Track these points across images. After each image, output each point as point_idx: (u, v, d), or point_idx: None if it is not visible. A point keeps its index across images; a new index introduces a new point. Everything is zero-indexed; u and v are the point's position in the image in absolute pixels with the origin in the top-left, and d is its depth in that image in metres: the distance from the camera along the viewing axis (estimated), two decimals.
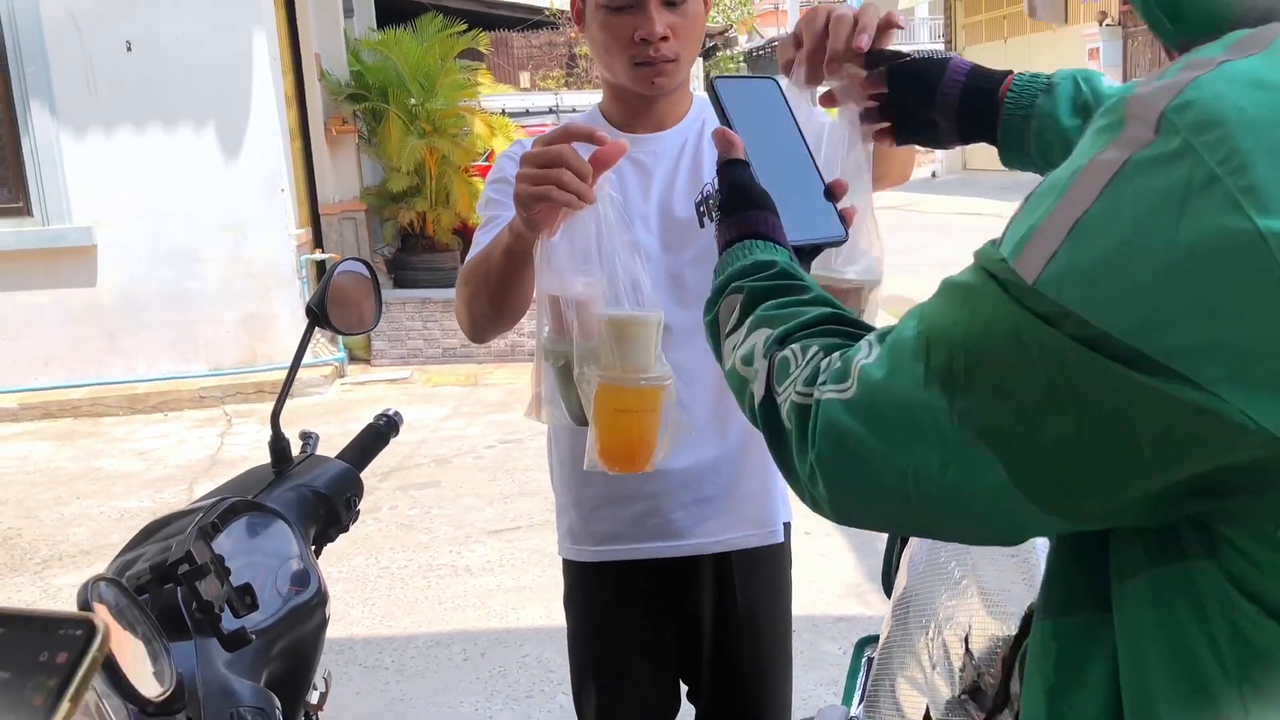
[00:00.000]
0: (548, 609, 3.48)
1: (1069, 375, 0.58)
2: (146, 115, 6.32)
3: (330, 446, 1.52)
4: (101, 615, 0.78)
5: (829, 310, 0.80)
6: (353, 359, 7.12)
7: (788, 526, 1.69)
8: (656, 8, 1.44)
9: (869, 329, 0.76)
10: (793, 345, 0.76)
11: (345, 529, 1.47)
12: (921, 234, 10.45)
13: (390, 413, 1.63)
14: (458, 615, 3.60)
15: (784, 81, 1.09)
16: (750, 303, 0.83)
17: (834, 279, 1.14)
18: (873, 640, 1.81)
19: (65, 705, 0.51)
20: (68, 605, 0.99)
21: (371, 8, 10.54)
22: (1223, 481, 0.58)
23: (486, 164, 7.98)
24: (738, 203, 0.93)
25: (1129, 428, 0.57)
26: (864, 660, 1.85)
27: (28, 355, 6.42)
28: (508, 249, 1.34)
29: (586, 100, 11.56)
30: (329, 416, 5.85)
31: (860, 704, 1.73)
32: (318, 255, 6.92)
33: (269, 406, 1.48)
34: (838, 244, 1.02)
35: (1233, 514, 0.59)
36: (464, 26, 8.48)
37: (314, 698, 1.32)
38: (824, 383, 0.70)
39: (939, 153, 16.63)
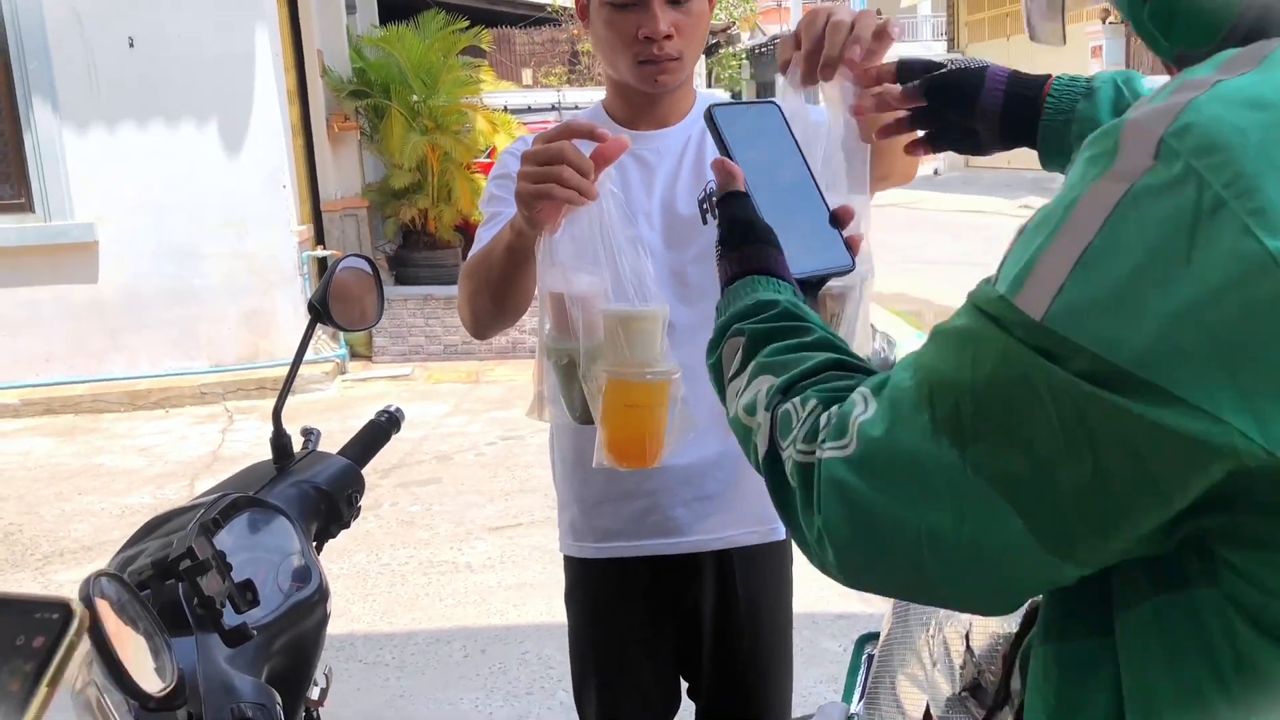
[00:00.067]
0: (548, 606, 3.48)
1: (1081, 415, 0.57)
2: (148, 112, 6.31)
3: (332, 443, 1.52)
4: (101, 609, 0.78)
5: (831, 356, 0.77)
6: (354, 356, 7.12)
7: None
8: (661, 5, 1.44)
9: (870, 373, 0.74)
10: (794, 399, 0.74)
11: (346, 525, 1.47)
12: (923, 232, 10.44)
13: (392, 409, 1.63)
14: (458, 612, 3.61)
15: (784, 103, 1.07)
16: (752, 347, 0.81)
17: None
18: (873, 637, 1.81)
19: (43, 689, 0.49)
20: None
21: (374, 4, 10.55)
22: (1232, 499, 0.57)
23: (488, 161, 7.97)
24: (739, 238, 0.90)
25: (1143, 463, 0.56)
26: (864, 657, 1.85)
27: (29, 351, 6.41)
28: (509, 246, 1.34)
29: (589, 97, 11.57)
30: (330, 413, 5.84)
31: (860, 701, 1.73)
32: (319, 252, 6.92)
33: (270, 403, 1.48)
34: (844, 273, 0.98)
35: (1241, 536, 0.59)
36: (466, 23, 8.47)
37: (315, 694, 1.32)
38: (824, 440, 0.68)
39: None
